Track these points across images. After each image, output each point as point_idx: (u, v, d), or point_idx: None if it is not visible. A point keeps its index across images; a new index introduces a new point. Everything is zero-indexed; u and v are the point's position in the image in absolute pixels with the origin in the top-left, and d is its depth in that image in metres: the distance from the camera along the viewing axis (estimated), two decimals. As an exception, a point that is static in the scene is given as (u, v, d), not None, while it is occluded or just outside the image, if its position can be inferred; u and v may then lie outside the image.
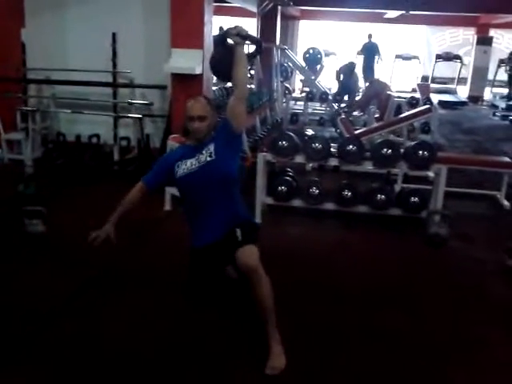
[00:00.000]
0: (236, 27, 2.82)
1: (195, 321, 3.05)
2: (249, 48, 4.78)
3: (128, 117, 6.35)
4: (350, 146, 4.57)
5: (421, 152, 4.47)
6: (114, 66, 6.33)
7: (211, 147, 2.85)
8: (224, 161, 2.85)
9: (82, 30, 6.43)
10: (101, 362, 2.67)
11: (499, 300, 3.54)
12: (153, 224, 4.61)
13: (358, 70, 11.70)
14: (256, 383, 2.54)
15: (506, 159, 5.58)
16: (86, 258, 3.75)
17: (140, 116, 6.22)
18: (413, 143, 4.68)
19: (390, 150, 4.50)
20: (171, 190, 4.96)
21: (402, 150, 4.67)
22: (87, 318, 3.08)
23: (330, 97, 9.98)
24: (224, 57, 2.90)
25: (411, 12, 12.78)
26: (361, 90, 11.51)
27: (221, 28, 11.97)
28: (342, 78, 10.61)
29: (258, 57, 7.69)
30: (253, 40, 3.04)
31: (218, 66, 3.07)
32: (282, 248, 4.07)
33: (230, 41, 2.88)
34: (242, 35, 2.82)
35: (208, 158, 2.83)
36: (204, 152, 2.85)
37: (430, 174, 5.34)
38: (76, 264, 3.74)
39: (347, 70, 10.49)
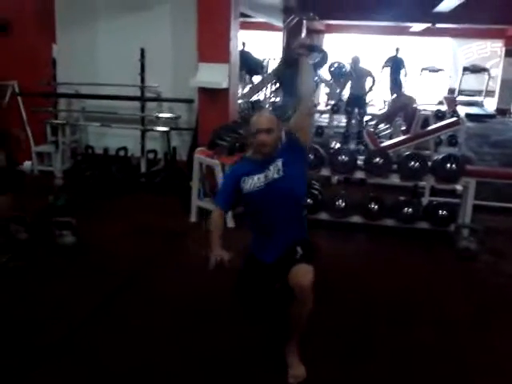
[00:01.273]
0: (298, 39, 2.79)
1: (218, 333, 3.06)
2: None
3: (155, 130, 6.44)
4: (377, 159, 4.55)
5: (449, 165, 4.42)
6: (142, 80, 6.43)
7: (279, 163, 2.68)
8: (292, 179, 2.68)
9: (111, 46, 6.58)
10: (127, 372, 2.70)
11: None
12: (177, 235, 4.65)
13: (383, 83, 11.54)
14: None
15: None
16: (112, 268, 3.82)
17: (167, 129, 6.31)
18: (440, 156, 4.64)
19: (417, 163, 4.47)
20: (197, 202, 5.01)
21: (429, 163, 4.63)
22: (115, 327, 3.12)
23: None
24: (288, 73, 2.84)
25: (440, 25, 12.72)
26: (387, 103, 11.44)
27: (243, 43, 12.14)
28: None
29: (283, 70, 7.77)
30: (314, 49, 2.93)
31: (286, 85, 2.98)
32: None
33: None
34: (305, 45, 2.71)
35: (276, 175, 2.66)
36: (272, 168, 2.68)
37: (458, 187, 5.28)
38: (104, 274, 3.80)
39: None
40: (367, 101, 9.76)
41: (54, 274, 3.82)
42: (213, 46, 5.81)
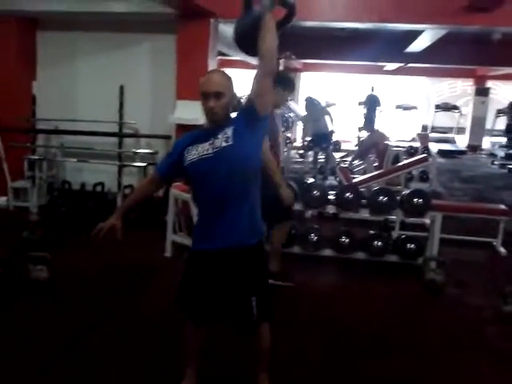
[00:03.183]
0: None
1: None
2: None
3: (133, 165, 6.54)
4: (347, 194, 4.70)
5: (416, 199, 4.59)
6: (121, 116, 6.58)
7: (229, 131, 2.36)
8: (244, 147, 2.36)
9: (91, 83, 6.73)
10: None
11: (495, 346, 3.58)
12: (152, 270, 4.70)
13: (358, 120, 11.90)
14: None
15: (502, 206, 5.68)
16: (87, 302, 3.85)
17: (145, 164, 6.41)
18: (408, 191, 4.81)
19: (385, 198, 4.63)
20: (172, 237, 5.08)
21: (398, 198, 4.79)
22: (88, 362, 3.15)
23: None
24: (249, 25, 2.39)
25: (412, 64, 13.19)
26: (360, 140, 11.75)
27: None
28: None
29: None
30: (284, 3, 2.49)
31: (242, 37, 2.50)
32: (282, 292, 4.13)
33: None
34: None
35: (224, 143, 2.35)
36: (220, 136, 2.37)
37: (427, 221, 5.44)
38: (77, 308, 3.83)
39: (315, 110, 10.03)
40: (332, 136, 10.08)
41: (27, 310, 3.82)
42: (190, 83, 5.93)
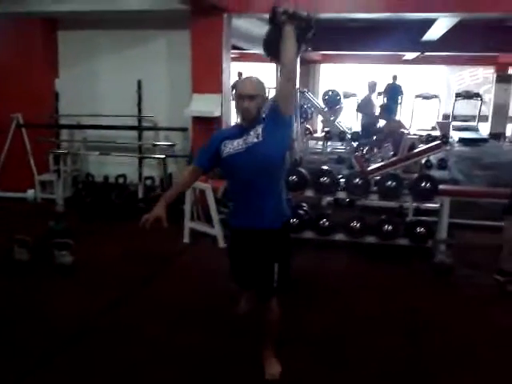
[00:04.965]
0: (284, 5, 2.69)
1: (205, 338, 3.31)
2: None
3: (152, 157, 6.78)
4: (357, 180, 4.83)
5: (423, 184, 4.70)
6: (140, 110, 6.81)
7: (259, 129, 2.72)
8: (271, 144, 2.71)
9: (111, 79, 6.98)
10: (123, 376, 2.97)
11: (497, 324, 3.70)
12: (171, 255, 4.92)
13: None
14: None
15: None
16: (107, 286, 4.10)
17: (163, 156, 6.63)
18: (416, 176, 4.92)
19: (394, 183, 4.75)
20: (190, 224, 5.30)
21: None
22: (113, 335, 3.41)
23: (349, 135, 10.30)
24: (274, 37, 2.74)
25: (429, 53, 13.13)
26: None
27: (239, 74, 12.55)
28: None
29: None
30: (302, 19, 2.74)
31: (268, 46, 2.88)
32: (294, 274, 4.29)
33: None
34: (288, 14, 2.66)
35: (255, 140, 2.71)
36: (252, 133, 2.73)
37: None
38: (98, 291, 4.08)
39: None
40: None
41: (54, 291, 4.09)
42: (206, 77, 6.19)
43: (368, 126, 10.16)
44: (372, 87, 10.59)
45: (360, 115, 11.09)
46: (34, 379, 2.92)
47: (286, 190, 2.93)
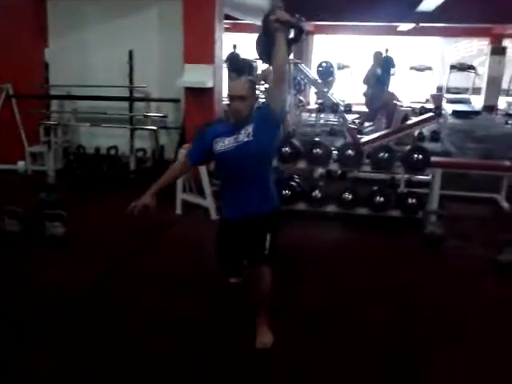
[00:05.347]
0: (276, 13, 2.80)
1: (198, 306, 3.35)
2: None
3: (144, 129, 6.72)
4: (349, 151, 4.82)
5: (416, 156, 4.70)
6: (131, 81, 6.72)
7: (250, 128, 2.85)
8: (261, 143, 2.84)
9: (101, 49, 6.86)
10: (118, 345, 3.00)
11: (488, 295, 3.75)
12: (163, 226, 4.93)
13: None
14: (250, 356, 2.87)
15: (506, 163, 5.74)
16: (99, 256, 4.11)
17: (155, 128, 6.58)
18: (408, 148, 4.92)
19: (386, 154, 4.75)
20: (182, 196, 5.29)
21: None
22: (107, 305, 3.44)
23: (342, 108, 10.24)
24: (265, 42, 2.93)
25: (424, 24, 12.98)
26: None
27: (234, 46, 12.40)
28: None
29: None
30: (293, 26, 2.90)
31: (261, 51, 3.12)
32: (285, 247, 4.32)
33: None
34: (281, 21, 2.78)
35: (246, 139, 2.84)
36: (242, 132, 2.85)
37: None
38: (90, 261, 4.09)
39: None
40: None
41: (46, 262, 4.09)
42: (198, 47, 6.10)
43: (373, 98, 10.05)
44: (378, 58, 10.48)
45: (365, 87, 10.94)
46: (25, 350, 2.93)
47: (273, 178, 3.06)
